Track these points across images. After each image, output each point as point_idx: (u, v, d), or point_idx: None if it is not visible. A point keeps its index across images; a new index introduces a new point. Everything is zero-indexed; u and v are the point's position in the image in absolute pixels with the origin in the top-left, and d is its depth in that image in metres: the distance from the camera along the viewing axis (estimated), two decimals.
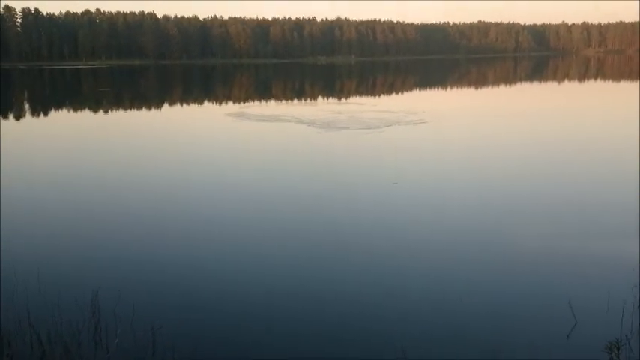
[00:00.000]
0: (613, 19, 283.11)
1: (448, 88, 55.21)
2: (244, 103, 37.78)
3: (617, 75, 72.14)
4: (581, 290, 6.82)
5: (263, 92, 52.44)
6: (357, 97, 43.89)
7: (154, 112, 34.65)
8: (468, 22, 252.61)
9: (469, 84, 61.81)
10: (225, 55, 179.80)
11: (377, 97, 44.06)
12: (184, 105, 39.14)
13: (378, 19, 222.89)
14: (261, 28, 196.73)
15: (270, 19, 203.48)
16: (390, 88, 56.10)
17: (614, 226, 9.35)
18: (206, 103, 40.84)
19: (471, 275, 7.46)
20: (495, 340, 5.86)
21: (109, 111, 34.48)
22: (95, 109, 35.22)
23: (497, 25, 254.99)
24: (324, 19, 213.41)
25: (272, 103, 38.98)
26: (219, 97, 45.94)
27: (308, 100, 40.52)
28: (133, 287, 7.21)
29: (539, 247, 8.45)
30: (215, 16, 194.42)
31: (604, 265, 7.62)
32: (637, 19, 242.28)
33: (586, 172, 13.70)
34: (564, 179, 12.93)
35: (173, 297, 6.97)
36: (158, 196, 12.10)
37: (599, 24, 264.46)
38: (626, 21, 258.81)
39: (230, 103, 37.29)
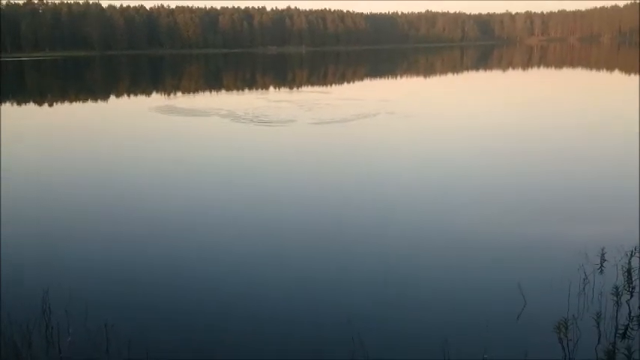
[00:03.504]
0: (555, 8, 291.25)
1: (403, 77, 55.73)
2: (194, 93, 37.27)
3: (560, 63, 74.40)
4: (530, 272, 7.00)
5: (214, 82, 51.73)
6: (321, 86, 43.81)
7: (91, 105, 33.73)
8: (416, 11, 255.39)
9: (423, 73, 62.59)
10: (173, 46, 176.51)
11: (339, 85, 44.06)
12: (131, 96, 38.25)
13: (328, 8, 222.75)
14: (209, 17, 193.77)
15: (219, 8, 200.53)
16: (349, 77, 56.24)
17: (563, 211, 9.65)
18: (154, 94, 40.01)
19: (422, 262, 7.58)
20: (449, 323, 5.96)
21: (51, 105, 33.43)
22: (39, 103, 34.16)
23: (445, 15, 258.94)
24: (274, 8, 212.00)
25: (223, 93, 38.55)
26: (167, 89, 45.03)
27: (273, 90, 40.24)
28: (84, 285, 7.03)
29: (491, 232, 8.65)
30: (162, 5, 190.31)
31: (551, 248, 7.85)
32: (578, 8, 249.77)
33: (541, 160, 14.04)
34: (525, 168, 13.27)
35: (126, 294, 6.83)
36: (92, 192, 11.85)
37: (542, 13, 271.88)
38: (568, 10, 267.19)
39: (179, 94, 36.70)
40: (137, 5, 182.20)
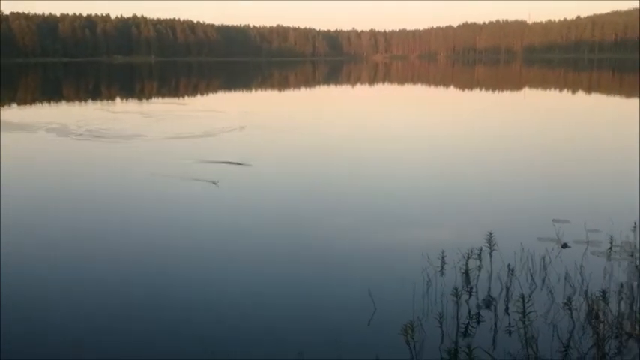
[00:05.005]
0: (397, 27, 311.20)
1: (260, 90, 55.98)
2: (30, 105, 34.47)
3: (402, 80, 79.30)
4: (380, 278, 7.21)
5: (53, 93, 48.26)
6: (175, 97, 42.34)
7: None
8: (268, 25, 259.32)
9: (278, 86, 63.36)
10: (8, 54, 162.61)
11: (194, 97, 42.99)
12: None
13: (177, 18, 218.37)
14: (48, 24, 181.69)
15: (58, 14, 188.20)
16: (205, 89, 55.21)
17: (410, 215, 10.12)
18: None
19: (276, 272, 7.53)
20: (304, 332, 5.95)
21: None
22: None
23: (296, 29, 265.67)
24: (119, 16, 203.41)
25: (62, 104, 36.04)
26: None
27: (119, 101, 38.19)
28: None
29: (341, 240, 8.83)
30: None
31: (399, 252, 8.17)
32: (417, 28, 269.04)
33: (393, 168, 14.66)
34: (378, 173, 13.74)
35: None
36: None
37: (385, 31, 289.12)
38: (408, 29, 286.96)
39: (14, 105, 33.73)
40: None
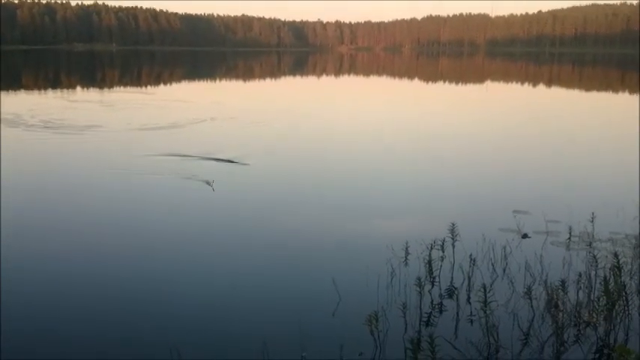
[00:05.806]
0: (362, 19, 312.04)
1: (225, 80, 55.41)
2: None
3: (367, 71, 79.55)
4: (345, 268, 7.23)
5: (11, 82, 46.81)
6: (138, 86, 41.42)
7: None
8: (232, 14, 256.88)
9: (243, 77, 62.78)
10: None
11: (157, 86, 42.22)
12: None
13: (139, 6, 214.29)
14: (6, 10, 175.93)
15: (16, 1, 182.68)
16: (169, 79, 54.29)
17: (374, 207, 10.16)
18: None
19: (240, 263, 7.49)
20: (268, 323, 5.93)
21: None
22: None
23: (260, 19, 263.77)
24: (80, 3, 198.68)
25: (21, 93, 35.00)
26: None
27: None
28: None
29: (306, 232, 8.82)
30: None
31: (363, 243, 8.20)
32: (382, 20, 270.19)
33: (357, 159, 14.70)
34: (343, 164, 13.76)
35: None
36: None
37: (350, 23, 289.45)
38: (373, 21, 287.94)
39: None
40: None
